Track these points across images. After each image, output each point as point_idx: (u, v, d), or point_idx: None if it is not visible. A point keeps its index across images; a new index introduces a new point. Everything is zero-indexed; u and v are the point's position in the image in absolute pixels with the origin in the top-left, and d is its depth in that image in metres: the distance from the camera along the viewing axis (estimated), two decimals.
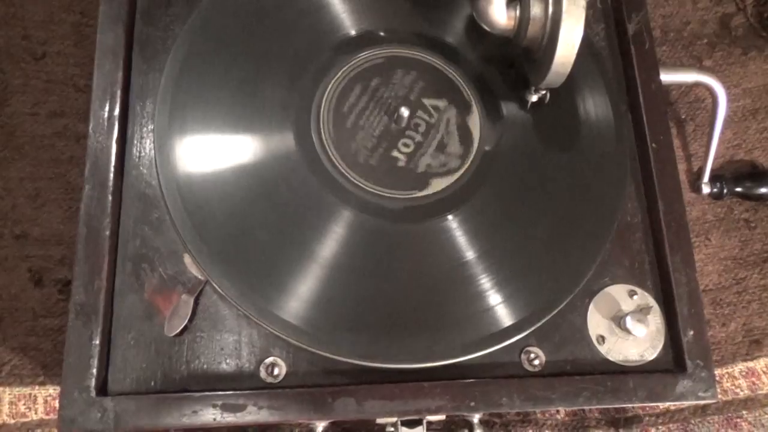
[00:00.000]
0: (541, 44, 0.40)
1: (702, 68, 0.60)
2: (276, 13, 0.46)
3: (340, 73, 0.45)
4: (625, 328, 0.41)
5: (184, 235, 0.40)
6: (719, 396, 0.53)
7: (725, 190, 0.57)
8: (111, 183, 0.42)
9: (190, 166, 0.42)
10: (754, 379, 0.54)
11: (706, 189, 0.57)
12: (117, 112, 0.43)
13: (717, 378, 0.53)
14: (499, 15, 0.41)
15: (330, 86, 0.45)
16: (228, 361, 0.40)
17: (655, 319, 0.43)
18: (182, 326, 0.40)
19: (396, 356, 0.39)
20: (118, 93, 0.43)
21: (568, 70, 0.39)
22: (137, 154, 0.43)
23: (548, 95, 0.45)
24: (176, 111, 0.43)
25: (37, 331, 0.51)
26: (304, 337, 0.39)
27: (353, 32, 0.47)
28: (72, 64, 0.57)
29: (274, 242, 0.41)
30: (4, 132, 0.55)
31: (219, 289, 0.40)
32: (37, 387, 0.50)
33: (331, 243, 0.41)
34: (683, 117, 0.60)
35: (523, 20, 0.40)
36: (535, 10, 0.39)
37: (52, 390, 0.50)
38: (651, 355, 0.42)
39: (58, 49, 0.58)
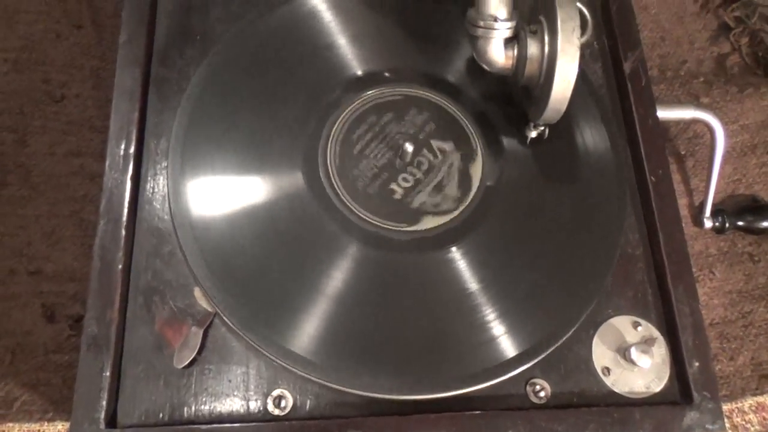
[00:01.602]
0: (538, 82, 0.42)
1: (699, 105, 0.62)
2: (286, 54, 0.48)
3: (346, 112, 0.47)
4: (630, 359, 0.41)
5: (194, 268, 0.42)
6: (729, 431, 0.53)
7: (727, 224, 0.57)
8: (125, 218, 0.43)
9: (201, 202, 0.43)
10: (764, 414, 0.54)
11: (708, 223, 0.57)
12: (132, 149, 0.45)
13: (726, 413, 0.53)
14: (498, 55, 0.43)
15: (337, 123, 0.47)
16: (236, 393, 0.40)
17: (660, 351, 0.43)
18: (191, 358, 0.40)
19: (402, 387, 0.40)
20: (134, 132, 0.45)
21: (565, 106, 0.41)
22: (150, 190, 0.45)
23: (547, 131, 0.46)
24: (189, 149, 0.45)
25: (47, 366, 0.51)
26: (312, 369, 0.39)
27: (360, 72, 0.49)
28: (90, 107, 0.59)
29: (281, 275, 0.42)
30: (22, 171, 0.57)
31: (228, 321, 0.40)
32: (46, 423, 0.50)
33: (337, 275, 0.42)
34: (683, 152, 0.61)
35: (521, 59, 0.42)
36: (532, 49, 0.41)
37: (61, 426, 0.50)
38: (657, 386, 0.42)
39: (77, 92, 0.60)
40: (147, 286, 0.42)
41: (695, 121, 0.56)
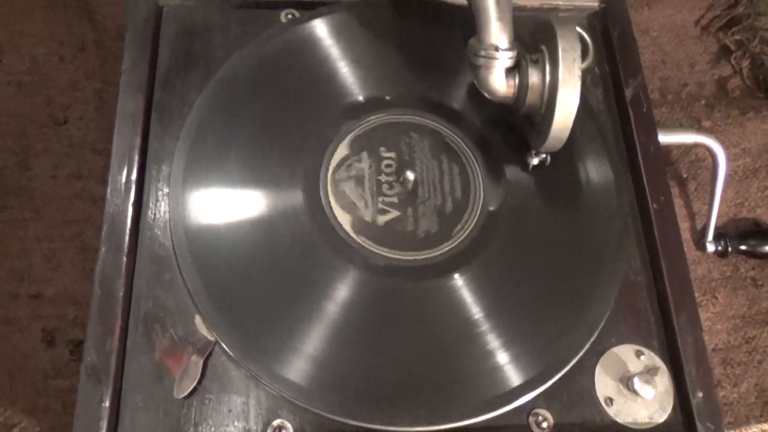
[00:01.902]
0: (539, 111, 0.42)
1: (701, 129, 0.62)
2: (287, 80, 0.49)
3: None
4: (633, 389, 0.41)
5: (195, 295, 0.41)
6: None
7: (730, 248, 0.57)
8: (126, 245, 0.43)
9: (203, 228, 0.43)
10: None
11: (710, 247, 0.57)
12: (134, 176, 0.45)
13: None
14: (499, 84, 0.43)
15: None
16: (236, 423, 0.40)
17: (663, 380, 0.43)
18: (191, 388, 0.40)
19: (404, 419, 0.39)
20: (136, 158, 0.45)
21: (566, 135, 0.41)
22: (152, 216, 0.45)
23: (549, 158, 0.46)
24: (190, 175, 0.45)
25: (47, 392, 0.51)
26: (312, 399, 0.39)
27: (360, 97, 0.49)
28: (92, 129, 0.60)
29: (282, 303, 0.42)
30: (24, 194, 0.57)
31: (228, 350, 0.40)
32: None
33: (338, 304, 0.42)
34: (685, 176, 0.61)
35: (522, 88, 0.42)
36: (533, 78, 0.41)
37: None
38: (660, 417, 0.42)
39: (79, 115, 0.60)
40: (147, 314, 0.42)
41: (697, 145, 0.56)
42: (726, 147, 0.56)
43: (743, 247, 0.57)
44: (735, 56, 0.65)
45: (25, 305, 0.54)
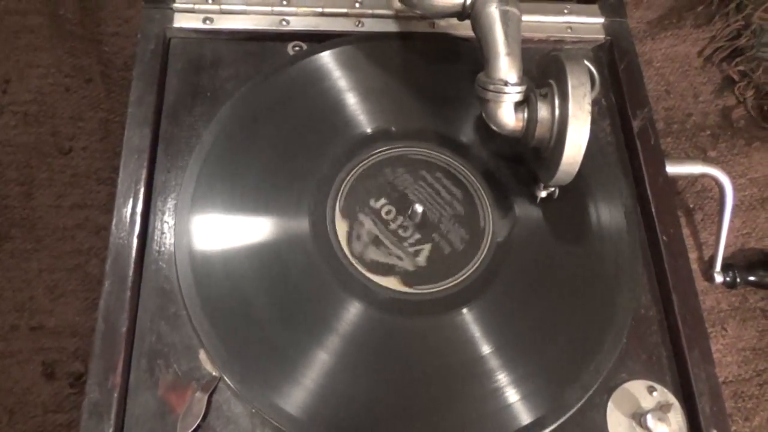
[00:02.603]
0: (549, 145, 0.42)
1: (707, 160, 0.62)
2: (294, 113, 0.48)
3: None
4: (647, 426, 0.40)
5: (199, 330, 0.41)
6: None
7: (738, 279, 0.57)
8: (130, 278, 0.42)
9: (209, 261, 0.43)
10: None
11: (719, 278, 0.57)
12: (140, 208, 0.44)
13: None
14: (508, 118, 0.43)
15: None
16: None
17: (677, 418, 0.42)
18: (195, 425, 0.39)
19: None
20: (141, 190, 0.45)
21: (576, 170, 0.40)
22: (157, 249, 0.44)
23: (557, 191, 0.46)
24: (197, 208, 0.44)
25: (46, 426, 0.50)
26: None
27: (369, 129, 0.49)
28: (97, 159, 0.59)
29: (288, 339, 0.41)
30: (26, 224, 0.57)
31: (232, 386, 0.39)
32: None
33: (345, 339, 0.41)
34: (691, 206, 0.61)
35: (531, 122, 0.42)
36: (543, 113, 0.41)
37: None
38: None
39: (84, 145, 0.60)
40: (151, 349, 0.41)
41: (704, 176, 0.56)
42: (732, 177, 0.56)
43: (752, 278, 0.57)
44: (739, 87, 0.66)
45: (25, 337, 0.53)
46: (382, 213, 0.46)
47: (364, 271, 0.43)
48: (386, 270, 0.44)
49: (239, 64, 0.50)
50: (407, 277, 0.44)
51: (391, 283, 0.43)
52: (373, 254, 0.44)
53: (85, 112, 0.61)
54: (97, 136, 0.61)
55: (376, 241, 0.45)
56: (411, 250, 0.45)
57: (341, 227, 0.45)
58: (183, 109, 0.48)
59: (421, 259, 0.44)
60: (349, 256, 0.44)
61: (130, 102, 0.47)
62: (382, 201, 0.46)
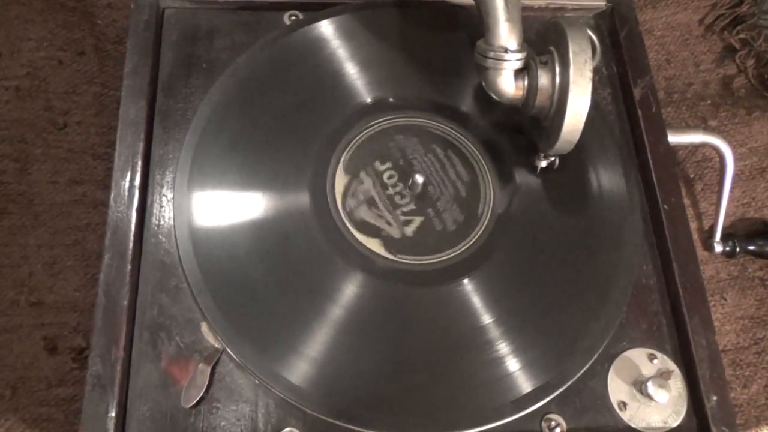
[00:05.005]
0: (549, 113, 0.41)
1: (708, 129, 0.61)
2: (292, 82, 0.48)
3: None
4: (647, 393, 0.41)
5: (201, 302, 0.41)
6: None
7: (738, 249, 0.57)
8: (130, 252, 0.42)
9: (208, 233, 0.43)
10: None
11: (718, 248, 0.57)
12: (138, 182, 0.44)
13: None
14: (508, 86, 0.42)
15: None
16: None
17: (677, 384, 0.42)
18: (199, 397, 0.39)
19: (414, 426, 0.39)
20: (139, 163, 0.45)
21: (577, 138, 0.40)
22: (156, 222, 0.44)
23: (557, 160, 0.45)
24: (195, 180, 0.44)
25: (49, 401, 0.50)
26: (321, 406, 0.39)
27: (368, 99, 0.48)
28: (92, 134, 0.59)
29: (290, 309, 0.41)
30: (23, 201, 0.56)
31: (236, 358, 0.40)
32: None
33: (347, 309, 0.41)
34: (692, 176, 0.61)
35: (531, 90, 0.42)
36: (543, 80, 0.41)
37: None
38: (674, 421, 0.41)
39: (79, 119, 0.59)
40: (153, 322, 0.41)
41: (704, 145, 0.55)
42: (733, 147, 0.56)
43: (751, 248, 0.57)
44: (740, 55, 0.65)
45: (25, 313, 0.53)
46: (384, 177, 0.45)
47: (351, 228, 0.43)
48: (372, 231, 0.44)
49: (235, 34, 0.49)
50: (390, 243, 0.44)
51: (374, 245, 0.43)
52: (364, 213, 0.44)
53: (79, 86, 0.60)
54: (91, 110, 0.60)
55: (371, 202, 0.45)
56: (402, 218, 0.44)
57: (340, 180, 0.45)
58: (178, 81, 0.48)
59: (409, 230, 0.44)
60: (341, 210, 0.44)
61: (125, 74, 0.47)
62: (387, 164, 0.46)
